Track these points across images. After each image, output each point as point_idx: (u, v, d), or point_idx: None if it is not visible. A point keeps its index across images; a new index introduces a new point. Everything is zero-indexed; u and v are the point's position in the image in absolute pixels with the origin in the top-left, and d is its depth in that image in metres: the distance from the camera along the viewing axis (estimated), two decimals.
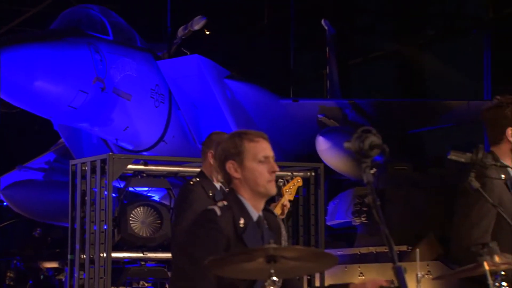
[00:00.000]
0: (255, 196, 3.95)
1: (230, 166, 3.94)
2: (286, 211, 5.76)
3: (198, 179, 5.73)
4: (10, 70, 13.64)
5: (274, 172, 3.99)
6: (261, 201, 4.00)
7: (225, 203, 3.91)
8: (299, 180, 6.06)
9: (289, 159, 11.03)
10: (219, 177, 5.49)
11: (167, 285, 6.75)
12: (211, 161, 5.67)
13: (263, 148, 3.98)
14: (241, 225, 3.85)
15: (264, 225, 3.98)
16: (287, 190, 5.82)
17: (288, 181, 5.99)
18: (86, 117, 15.07)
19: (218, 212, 3.83)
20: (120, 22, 15.89)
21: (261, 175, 3.94)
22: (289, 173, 8.22)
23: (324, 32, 17.13)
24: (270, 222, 4.07)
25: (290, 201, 6.00)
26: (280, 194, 5.97)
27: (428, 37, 17.81)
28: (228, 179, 3.99)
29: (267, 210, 4.13)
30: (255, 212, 3.94)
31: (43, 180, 17.74)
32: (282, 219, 5.61)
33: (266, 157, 3.97)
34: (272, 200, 7.94)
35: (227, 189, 4.25)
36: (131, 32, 16.05)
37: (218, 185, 5.91)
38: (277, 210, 5.61)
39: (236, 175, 3.94)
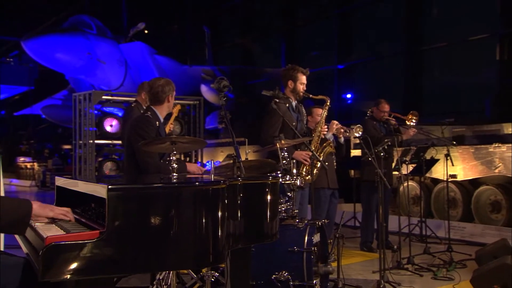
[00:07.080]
0: (164, 112, 3.84)
1: (169, 97, 3.79)
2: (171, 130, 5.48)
3: (135, 104, 5.51)
4: (43, 47, 13.56)
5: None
6: (165, 114, 3.89)
7: (149, 113, 3.73)
8: (180, 107, 5.79)
9: (187, 95, 10.76)
10: (145, 103, 5.16)
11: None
12: (143, 96, 5.43)
13: (174, 92, 3.88)
14: (157, 124, 3.73)
15: (162, 124, 3.88)
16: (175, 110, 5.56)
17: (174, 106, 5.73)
18: (82, 72, 14.92)
19: (151, 116, 3.71)
20: (100, 24, 15.55)
21: (172, 104, 3.87)
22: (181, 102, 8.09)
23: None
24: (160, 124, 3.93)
25: (176, 117, 5.75)
26: (171, 113, 5.71)
27: (253, 35, 17.51)
28: (159, 102, 3.79)
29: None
30: (162, 118, 3.81)
31: (61, 104, 17.29)
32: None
33: (173, 96, 3.86)
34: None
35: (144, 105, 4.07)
36: (105, 29, 15.76)
37: (145, 106, 5.64)
38: (168, 127, 5.33)
39: (167, 102, 3.79)
